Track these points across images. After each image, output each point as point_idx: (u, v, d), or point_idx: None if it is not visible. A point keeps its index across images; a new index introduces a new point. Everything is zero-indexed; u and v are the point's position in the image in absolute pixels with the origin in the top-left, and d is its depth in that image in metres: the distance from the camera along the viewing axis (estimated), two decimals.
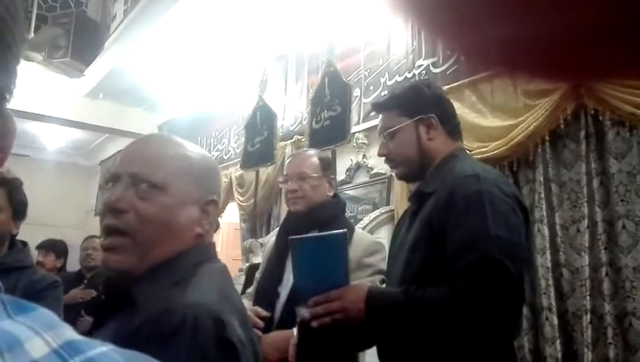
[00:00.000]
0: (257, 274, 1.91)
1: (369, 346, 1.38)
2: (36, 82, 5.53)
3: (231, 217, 4.72)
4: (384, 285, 1.57)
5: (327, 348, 1.25)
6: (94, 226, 7.56)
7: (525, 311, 2.29)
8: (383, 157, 1.47)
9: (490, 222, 1.14)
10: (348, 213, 3.36)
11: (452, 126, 1.40)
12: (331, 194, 1.78)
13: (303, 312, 1.17)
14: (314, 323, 1.16)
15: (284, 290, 1.66)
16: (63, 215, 7.26)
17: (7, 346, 0.30)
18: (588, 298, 2.17)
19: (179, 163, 0.86)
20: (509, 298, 1.08)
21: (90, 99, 6.07)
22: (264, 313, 1.57)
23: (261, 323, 1.53)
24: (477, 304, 1.07)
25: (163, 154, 0.86)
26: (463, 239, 1.14)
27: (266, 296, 1.70)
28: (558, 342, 2.22)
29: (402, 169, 1.44)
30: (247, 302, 1.76)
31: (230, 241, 5.52)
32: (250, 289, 1.91)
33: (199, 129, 5.45)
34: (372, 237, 1.80)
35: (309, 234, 1.31)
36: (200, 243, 0.86)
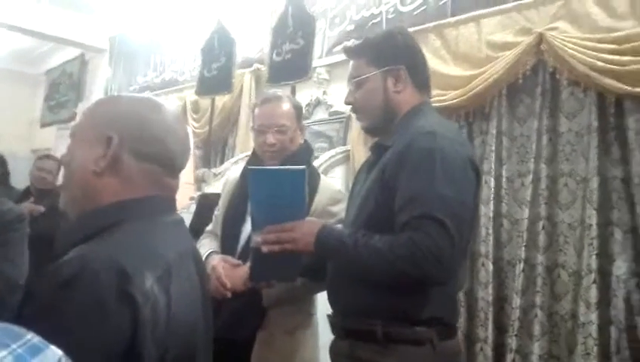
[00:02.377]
0: (216, 211, 1.89)
1: (315, 276, 1.44)
2: None
3: None
4: None
5: (275, 273, 1.32)
6: (40, 138, 7.26)
7: None
8: (349, 105, 1.47)
9: (438, 181, 1.18)
10: None
11: (421, 78, 1.38)
12: (302, 142, 1.75)
13: (256, 238, 1.23)
14: (264, 248, 1.22)
15: (247, 227, 1.68)
16: (6, 125, 6.90)
17: None
18: (523, 248, 2.29)
19: (93, 106, 0.92)
20: (444, 254, 1.14)
21: (36, 2, 5.63)
22: (234, 261, 1.60)
23: (226, 284, 1.54)
24: (412, 257, 1.13)
25: (92, 105, 0.92)
26: (410, 194, 1.19)
27: (231, 235, 1.72)
28: (490, 286, 2.37)
29: (367, 122, 1.45)
30: (207, 242, 1.77)
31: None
32: (210, 227, 1.90)
33: (153, 46, 5.19)
34: (336, 187, 1.81)
35: (269, 167, 1.31)
36: (129, 200, 0.84)
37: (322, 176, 1.83)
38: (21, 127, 7.37)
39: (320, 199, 1.66)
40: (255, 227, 1.25)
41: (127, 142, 0.84)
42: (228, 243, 1.70)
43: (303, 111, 3.35)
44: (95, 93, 6.17)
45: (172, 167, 0.90)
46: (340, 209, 1.65)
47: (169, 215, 0.90)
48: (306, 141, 1.81)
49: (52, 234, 3.44)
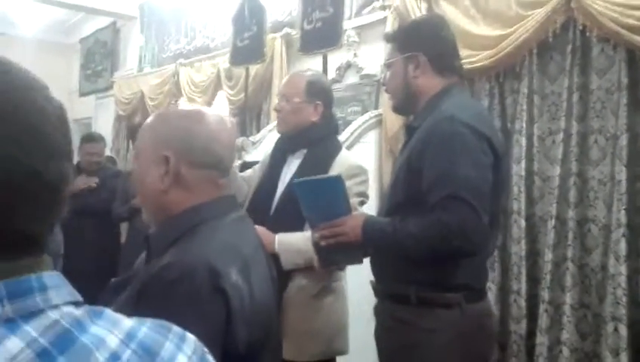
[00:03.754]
0: (256, 167, 2.05)
1: (366, 256, 1.61)
2: None
3: (221, 106, 4.73)
4: (363, 206, 1.81)
5: (341, 258, 1.58)
6: (80, 107, 7.47)
7: None
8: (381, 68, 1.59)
9: (460, 162, 1.31)
10: (338, 114, 3.44)
11: (444, 64, 1.49)
12: (315, 119, 1.85)
13: (315, 235, 1.47)
14: (322, 243, 1.45)
15: (276, 199, 1.86)
16: None
17: (96, 345, 0.45)
18: (555, 204, 2.38)
19: (147, 128, 1.02)
20: (472, 230, 1.28)
21: None
22: None
23: None
24: (443, 236, 1.28)
25: (147, 124, 1.04)
26: (435, 177, 1.33)
27: (260, 206, 1.88)
28: (523, 241, 2.48)
29: (393, 102, 1.64)
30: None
31: None
32: (245, 174, 2.07)
33: (183, 13, 5.26)
34: (353, 161, 1.88)
35: (310, 178, 1.50)
36: (205, 203, 0.97)
37: (343, 150, 1.93)
38: (61, 97, 7.33)
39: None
40: (311, 225, 1.48)
41: (181, 156, 0.97)
42: (259, 214, 1.81)
43: (334, 74, 3.45)
44: (129, 61, 6.32)
45: (223, 168, 1.02)
46: (354, 183, 1.77)
47: (235, 212, 1.03)
48: (328, 118, 1.89)
49: (103, 206, 3.78)
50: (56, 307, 0.45)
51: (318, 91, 1.87)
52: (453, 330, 1.38)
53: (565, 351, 2.28)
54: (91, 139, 3.66)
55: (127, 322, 0.49)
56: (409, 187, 1.42)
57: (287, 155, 1.91)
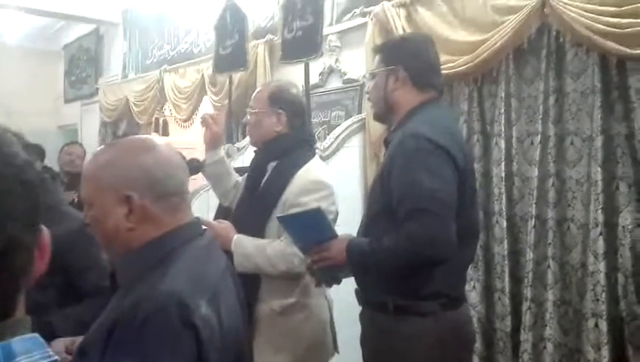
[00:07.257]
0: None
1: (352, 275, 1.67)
2: None
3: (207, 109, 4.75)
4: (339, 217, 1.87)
5: (335, 276, 1.66)
6: (65, 113, 7.41)
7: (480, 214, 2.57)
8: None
9: (423, 176, 1.39)
10: (322, 118, 3.49)
11: (422, 80, 1.57)
12: (279, 129, 1.83)
13: (308, 260, 1.60)
14: (314, 266, 1.57)
15: None
16: (32, 102, 7.09)
17: None
18: (534, 205, 2.44)
19: (97, 175, 1.00)
20: (441, 238, 1.36)
21: None
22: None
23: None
24: (412, 247, 1.37)
25: (90, 170, 1.02)
26: (402, 192, 1.42)
27: (240, 219, 1.91)
28: (505, 242, 2.54)
29: (374, 110, 1.71)
30: None
31: None
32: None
33: (166, 19, 5.26)
34: (313, 177, 1.81)
35: (291, 213, 1.64)
36: (169, 232, 0.98)
37: (308, 164, 1.84)
38: (47, 104, 7.55)
39: (291, 190, 1.76)
40: (303, 252, 1.60)
41: (144, 193, 0.97)
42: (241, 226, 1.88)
43: (317, 79, 3.48)
44: (113, 67, 6.31)
45: (182, 192, 1.03)
46: (311, 199, 1.72)
47: (201, 237, 1.05)
48: (296, 129, 1.87)
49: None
50: None
51: (280, 100, 1.84)
52: (430, 337, 1.45)
53: (549, 347, 2.35)
54: (71, 142, 3.71)
55: None
56: (382, 200, 1.51)
57: (264, 168, 1.90)
